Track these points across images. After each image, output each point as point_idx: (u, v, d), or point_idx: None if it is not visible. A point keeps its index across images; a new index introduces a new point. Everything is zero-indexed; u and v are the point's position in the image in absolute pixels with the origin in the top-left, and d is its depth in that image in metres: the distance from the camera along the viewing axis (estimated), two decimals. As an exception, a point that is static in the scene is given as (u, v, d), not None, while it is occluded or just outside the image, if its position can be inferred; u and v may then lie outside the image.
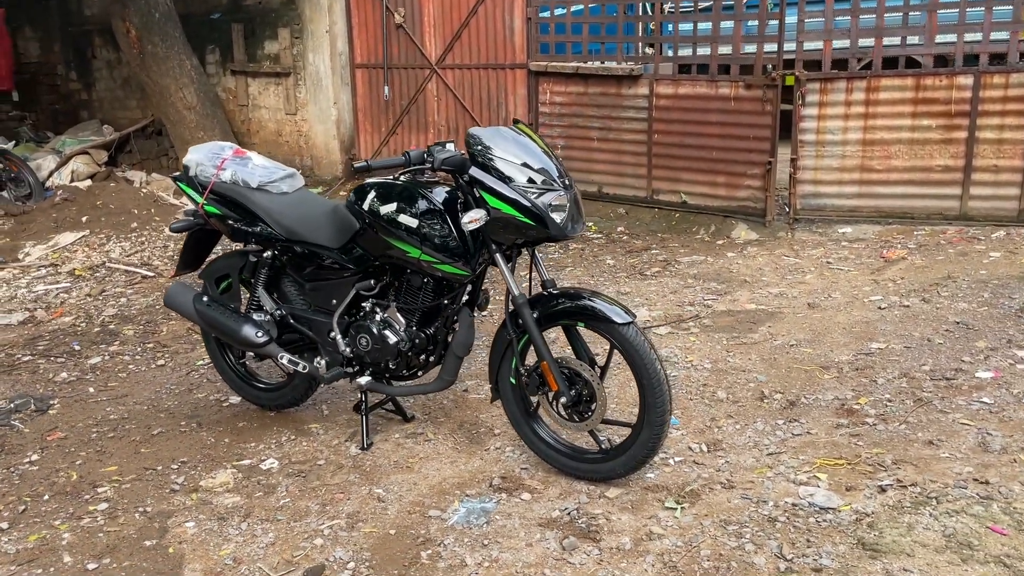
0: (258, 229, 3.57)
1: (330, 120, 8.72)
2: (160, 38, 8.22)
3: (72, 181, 8.95)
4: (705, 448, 3.45)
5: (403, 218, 3.17)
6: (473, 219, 2.96)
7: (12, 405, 4.22)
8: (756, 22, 6.51)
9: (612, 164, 7.39)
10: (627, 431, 3.16)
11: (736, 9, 6.59)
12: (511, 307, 3.14)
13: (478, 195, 3.01)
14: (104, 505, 3.27)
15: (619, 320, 2.98)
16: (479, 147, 3.02)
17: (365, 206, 3.28)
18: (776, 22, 6.33)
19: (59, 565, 2.90)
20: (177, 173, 3.86)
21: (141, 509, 3.23)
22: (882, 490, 3.05)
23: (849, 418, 3.63)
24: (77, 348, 5.01)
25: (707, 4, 7.50)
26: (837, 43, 6.36)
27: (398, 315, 3.40)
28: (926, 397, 3.75)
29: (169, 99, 8.42)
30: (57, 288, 6.24)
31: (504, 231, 3.03)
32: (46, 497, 3.34)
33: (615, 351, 3.07)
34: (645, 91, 7.06)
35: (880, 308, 4.84)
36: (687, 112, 6.89)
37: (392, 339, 3.37)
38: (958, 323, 4.49)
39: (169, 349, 4.93)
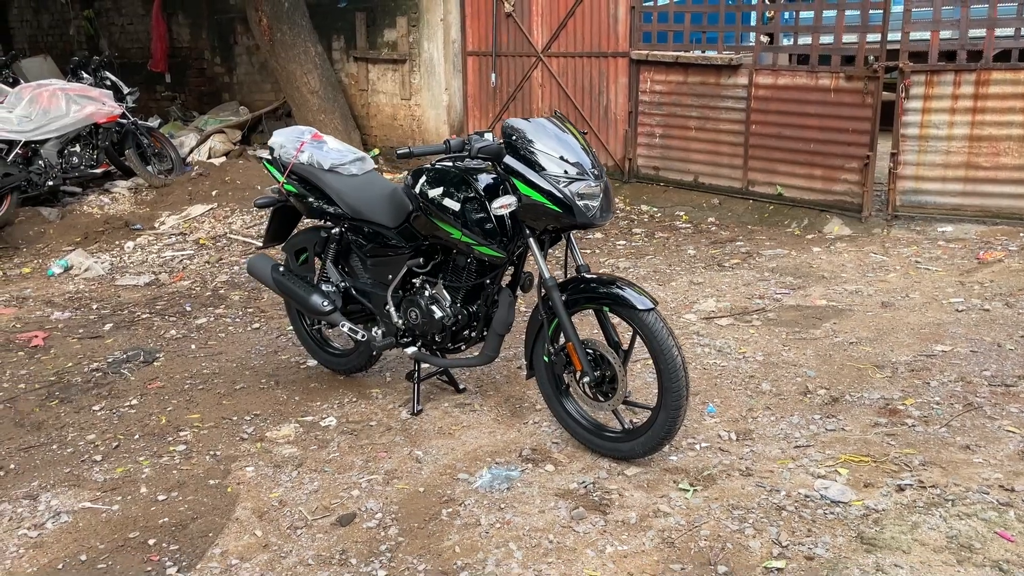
0: (328, 207, 3.90)
1: (441, 106, 9.08)
2: (288, 26, 8.80)
3: (209, 157, 9.74)
4: (734, 436, 3.53)
5: (448, 202, 3.41)
6: (503, 205, 3.16)
7: (125, 356, 4.78)
8: (859, 11, 6.33)
9: (709, 154, 7.38)
10: (649, 413, 3.30)
11: (839, -2, 6.44)
12: (543, 290, 3.33)
13: (512, 182, 3.20)
14: (182, 447, 3.70)
15: (640, 306, 3.11)
16: (515, 137, 3.21)
17: (417, 189, 3.54)
18: (880, 11, 6.14)
19: (136, 494, 3.33)
20: (264, 154, 4.25)
21: (212, 452, 3.64)
22: (900, 489, 3.06)
23: (889, 418, 3.61)
24: (188, 309, 5.56)
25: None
26: (945, 33, 6.11)
27: (444, 292, 3.66)
28: (977, 402, 3.67)
29: (295, 83, 9.01)
30: (182, 255, 6.89)
31: (535, 217, 3.21)
32: (137, 436, 3.82)
33: (637, 336, 3.20)
34: (744, 81, 7.00)
35: (957, 311, 4.69)
36: (785, 103, 6.80)
37: (438, 314, 3.63)
38: (1036, 330, 4.32)
39: (266, 314, 5.40)
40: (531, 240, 3.29)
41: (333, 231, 4.00)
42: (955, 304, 4.78)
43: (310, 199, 3.96)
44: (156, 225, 7.76)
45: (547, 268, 3.30)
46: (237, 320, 5.34)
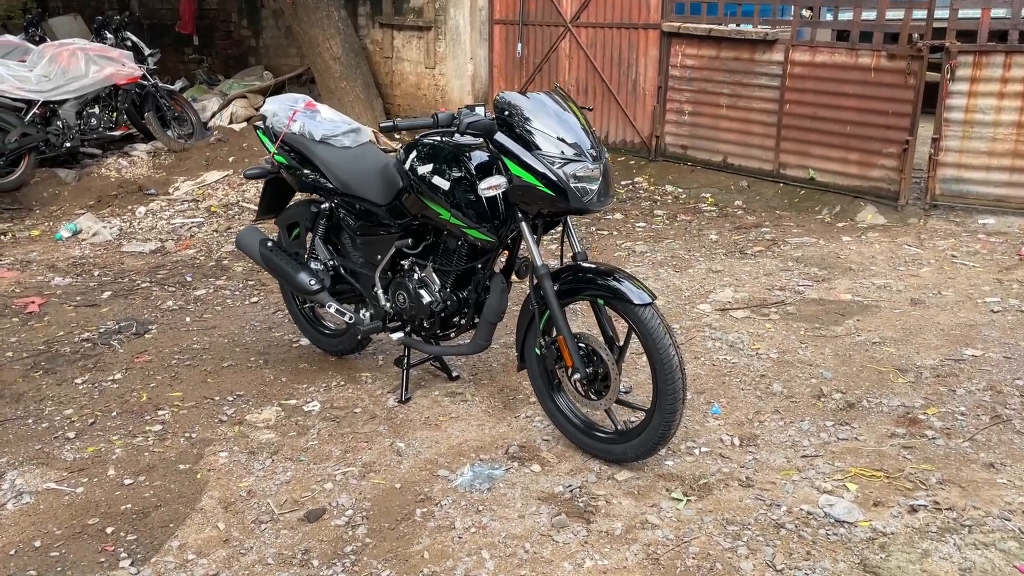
0: (320, 181, 3.69)
1: (466, 75, 8.82)
2: (311, -11, 8.57)
3: (231, 123, 9.59)
4: (737, 442, 3.29)
5: (437, 180, 3.18)
6: (490, 186, 2.93)
7: (117, 326, 4.64)
8: (905, -14, 5.94)
9: (739, 134, 7.05)
10: (644, 416, 3.07)
11: (884, -29, 6.04)
12: (535, 279, 3.10)
13: (503, 162, 2.96)
14: (158, 427, 3.55)
15: (636, 301, 2.87)
16: (509, 113, 2.96)
17: (407, 165, 3.32)
18: (928, -14, 5.75)
19: (102, 477, 3.19)
20: (259, 122, 4.05)
21: (188, 435, 3.48)
22: (913, 510, 2.80)
23: (909, 428, 3.33)
24: (189, 279, 5.42)
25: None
26: (996, 12, 5.70)
27: (434, 275, 3.44)
28: (1006, 414, 3.38)
29: (317, 49, 8.79)
30: (192, 222, 6.76)
31: (528, 200, 2.98)
32: (114, 413, 3.67)
33: (633, 332, 2.97)
34: (779, 57, 6.64)
35: (992, 311, 4.37)
36: (822, 82, 6.44)
37: (426, 298, 3.42)
38: (1078, 336, 3.99)
39: (266, 288, 5.24)
40: (523, 224, 3.06)
41: (323, 206, 3.79)
42: (991, 304, 4.46)
43: (302, 172, 3.76)
44: (170, 190, 7.63)
45: (540, 255, 3.07)
46: (236, 293, 5.18)
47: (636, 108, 7.74)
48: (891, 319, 4.36)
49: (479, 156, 3.18)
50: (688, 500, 2.92)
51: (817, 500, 2.88)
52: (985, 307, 4.43)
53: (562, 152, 2.90)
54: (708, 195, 6.92)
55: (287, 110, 3.80)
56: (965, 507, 2.79)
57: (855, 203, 6.29)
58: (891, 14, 6.09)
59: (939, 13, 5.76)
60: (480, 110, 3.03)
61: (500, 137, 2.95)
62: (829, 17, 6.78)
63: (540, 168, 2.88)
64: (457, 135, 3.03)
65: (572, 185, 2.86)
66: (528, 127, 2.94)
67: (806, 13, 7.08)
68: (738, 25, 7.01)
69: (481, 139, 3.06)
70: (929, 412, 3.44)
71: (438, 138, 3.24)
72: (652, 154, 7.69)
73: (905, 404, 3.51)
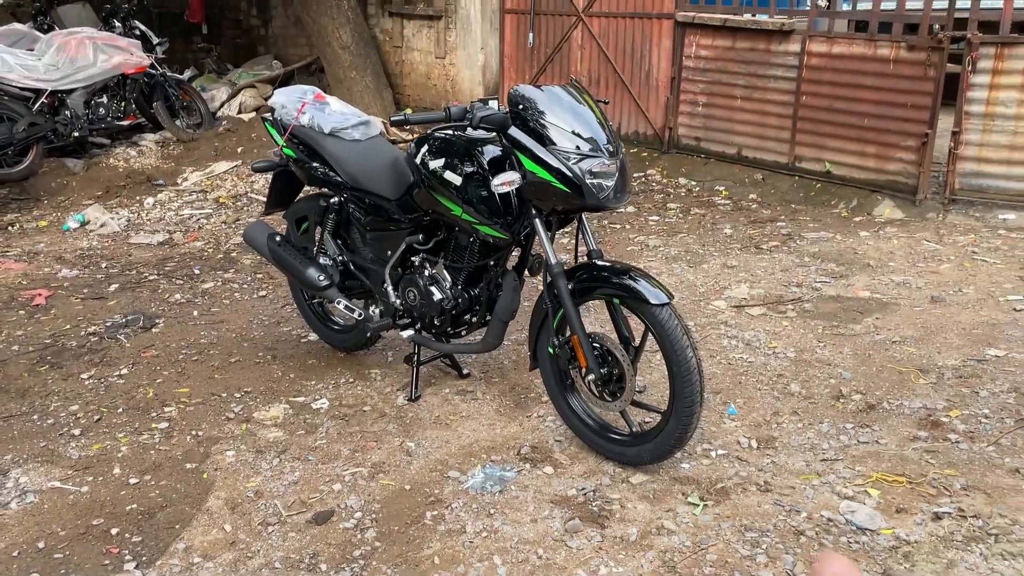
0: (328, 174, 3.62)
1: (476, 65, 8.72)
2: (321, -23, 8.48)
3: (239, 112, 9.53)
4: (755, 444, 3.21)
5: (449, 175, 3.10)
6: (504, 182, 2.85)
7: (124, 320, 4.59)
8: (926, -25, 5.81)
9: (754, 126, 6.94)
10: (659, 417, 3.00)
11: (904, -40, 5.91)
12: (549, 276, 3.03)
13: (517, 157, 2.88)
14: (165, 424, 3.50)
15: (653, 300, 2.79)
16: (523, 107, 2.88)
17: (418, 159, 3.24)
18: (949, -24, 5.63)
19: (108, 476, 3.14)
20: (267, 114, 3.98)
21: (194, 432, 3.43)
22: (937, 517, 2.72)
23: (931, 431, 3.25)
24: (197, 272, 5.37)
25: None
26: (1020, 2, 5.57)
27: (445, 272, 3.37)
28: (1032, 418, 3.29)
29: (326, 38, 8.72)
30: (200, 213, 6.70)
31: (542, 196, 2.90)
32: (120, 410, 3.62)
33: (649, 333, 2.89)
34: (796, 48, 6.52)
35: (1016, 310, 4.27)
36: (840, 73, 6.32)
37: (437, 296, 3.35)
38: (1104, 336, 3.89)
39: (274, 281, 5.18)
40: (537, 221, 2.98)
41: (332, 200, 3.72)
42: (1013, 302, 4.36)
43: (310, 165, 3.69)
44: (179, 181, 7.58)
45: (554, 252, 2.99)
46: (244, 286, 5.12)
47: (649, 99, 7.63)
48: (911, 317, 4.27)
49: (492, 151, 3.10)
50: (705, 505, 2.85)
51: (838, 506, 2.80)
52: (1007, 305, 4.33)
53: (577, 147, 2.82)
54: (722, 188, 6.82)
55: (296, 102, 3.73)
56: (991, 514, 2.71)
57: (872, 197, 6.19)
58: (911, 4, 5.98)
59: (960, 3, 5.63)
60: (493, 104, 2.95)
61: (514, 131, 2.87)
62: (847, 7, 6.66)
63: (555, 164, 2.80)
64: (470, 129, 2.95)
65: (588, 181, 2.78)
66: (542, 121, 2.86)
67: (823, 3, 6.97)
68: (754, 15, 6.90)
69: (494, 133, 2.98)
70: (952, 415, 3.35)
71: (450, 132, 3.16)
72: (665, 146, 7.59)
73: (927, 406, 3.43)
